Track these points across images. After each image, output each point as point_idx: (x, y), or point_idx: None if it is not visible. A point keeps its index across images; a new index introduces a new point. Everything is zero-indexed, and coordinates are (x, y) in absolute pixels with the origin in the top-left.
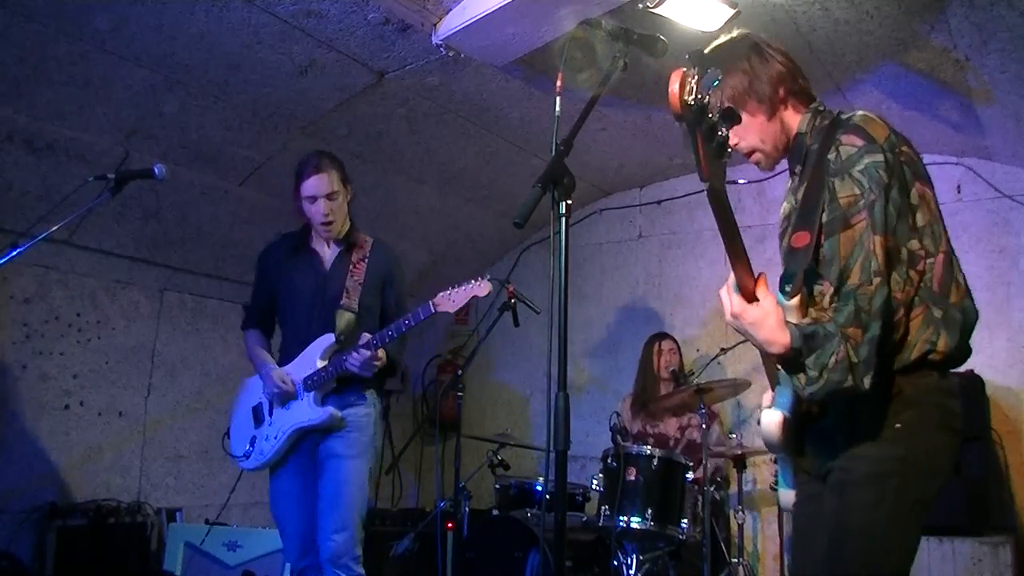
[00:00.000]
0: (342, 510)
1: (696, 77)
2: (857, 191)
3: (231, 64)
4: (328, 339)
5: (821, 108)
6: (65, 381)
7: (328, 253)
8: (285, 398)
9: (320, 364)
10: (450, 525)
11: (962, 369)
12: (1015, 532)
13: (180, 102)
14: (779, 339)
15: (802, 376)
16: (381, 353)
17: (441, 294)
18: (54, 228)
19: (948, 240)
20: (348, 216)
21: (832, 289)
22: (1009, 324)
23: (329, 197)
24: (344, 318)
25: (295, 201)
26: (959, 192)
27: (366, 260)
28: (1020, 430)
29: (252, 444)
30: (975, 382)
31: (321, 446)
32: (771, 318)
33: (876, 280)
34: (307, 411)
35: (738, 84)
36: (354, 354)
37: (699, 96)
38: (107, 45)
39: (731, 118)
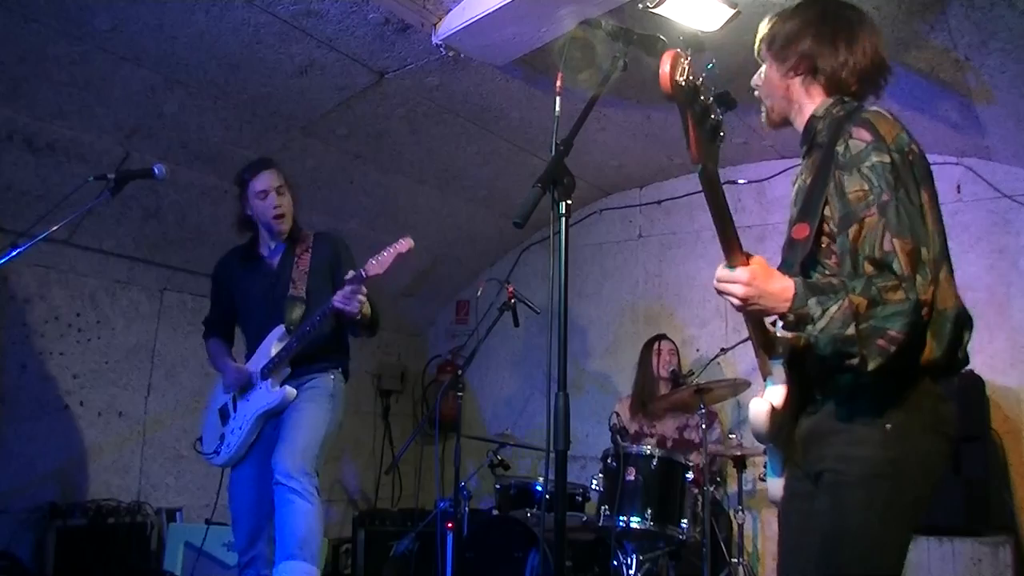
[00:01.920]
0: (293, 443)
1: (688, 59)
2: (866, 187)
3: (231, 64)
4: (279, 330)
5: (845, 100)
6: (65, 381)
7: (275, 255)
8: (244, 388)
9: (274, 352)
10: (450, 525)
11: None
12: (1015, 532)
13: (180, 102)
14: (788, 285)
15: (809, 323)
16: (365, 290)
17: (370, 260)
18: (54, 228)
19: (945, 245)
20: (293, 217)
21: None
22: (1009, 324)
23: (278, 191)
24: (293, 307)
25: (242, 204)
26: (959, 192)
27: (310, 250)
28: (1020, 430)
29: (221, 440)
30: (975, 382)
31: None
32: (774, 270)
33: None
34: (265, 396)
35: (771, 32)
36: (339, 291)
37: (691, 77)
38: (107, 45)
39: (726, 102)
